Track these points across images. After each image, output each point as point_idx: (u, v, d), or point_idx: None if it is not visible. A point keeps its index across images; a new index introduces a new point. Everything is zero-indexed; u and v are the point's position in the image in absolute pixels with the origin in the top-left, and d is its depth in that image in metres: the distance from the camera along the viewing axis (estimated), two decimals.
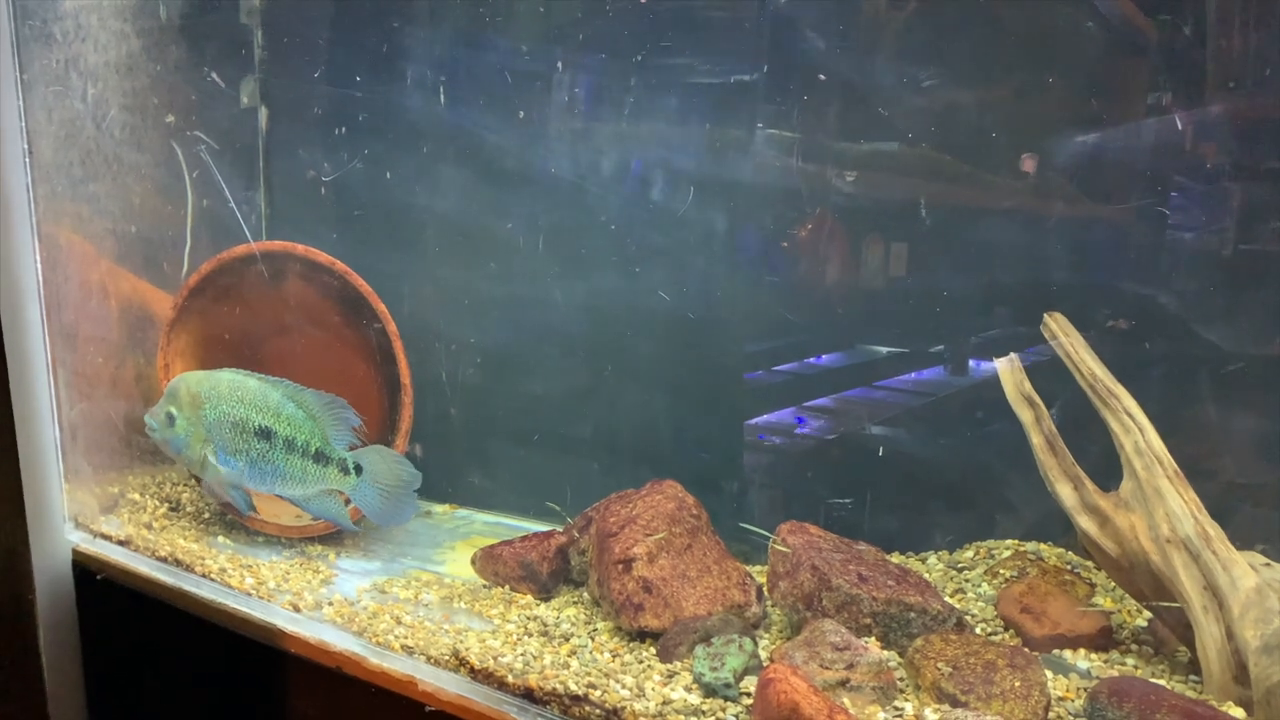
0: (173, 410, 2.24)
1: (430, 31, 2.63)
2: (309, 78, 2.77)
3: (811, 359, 2.54)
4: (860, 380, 2.50)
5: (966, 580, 2.14)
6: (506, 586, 2.24)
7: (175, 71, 2.63)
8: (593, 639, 1.97)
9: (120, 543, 2.47)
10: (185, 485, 2.73)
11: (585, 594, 2.17)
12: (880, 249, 2.35)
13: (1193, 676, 1.74)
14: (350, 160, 2.72)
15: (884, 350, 2.45)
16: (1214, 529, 1.71)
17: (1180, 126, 1.97)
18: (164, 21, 2.59)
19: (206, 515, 2.60)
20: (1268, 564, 1.70)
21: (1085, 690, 1.66)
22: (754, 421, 2.51)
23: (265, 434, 2.22)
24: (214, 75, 2.67)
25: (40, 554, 2.42)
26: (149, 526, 2.52)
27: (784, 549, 1.97)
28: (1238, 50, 1.89)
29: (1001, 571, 2.11)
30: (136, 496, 2.65)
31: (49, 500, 2.48)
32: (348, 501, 2.30)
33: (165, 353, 2.49)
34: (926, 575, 2.16)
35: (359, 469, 2.23)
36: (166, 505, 2.63)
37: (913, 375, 2.46)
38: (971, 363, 2.35)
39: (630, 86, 2.38)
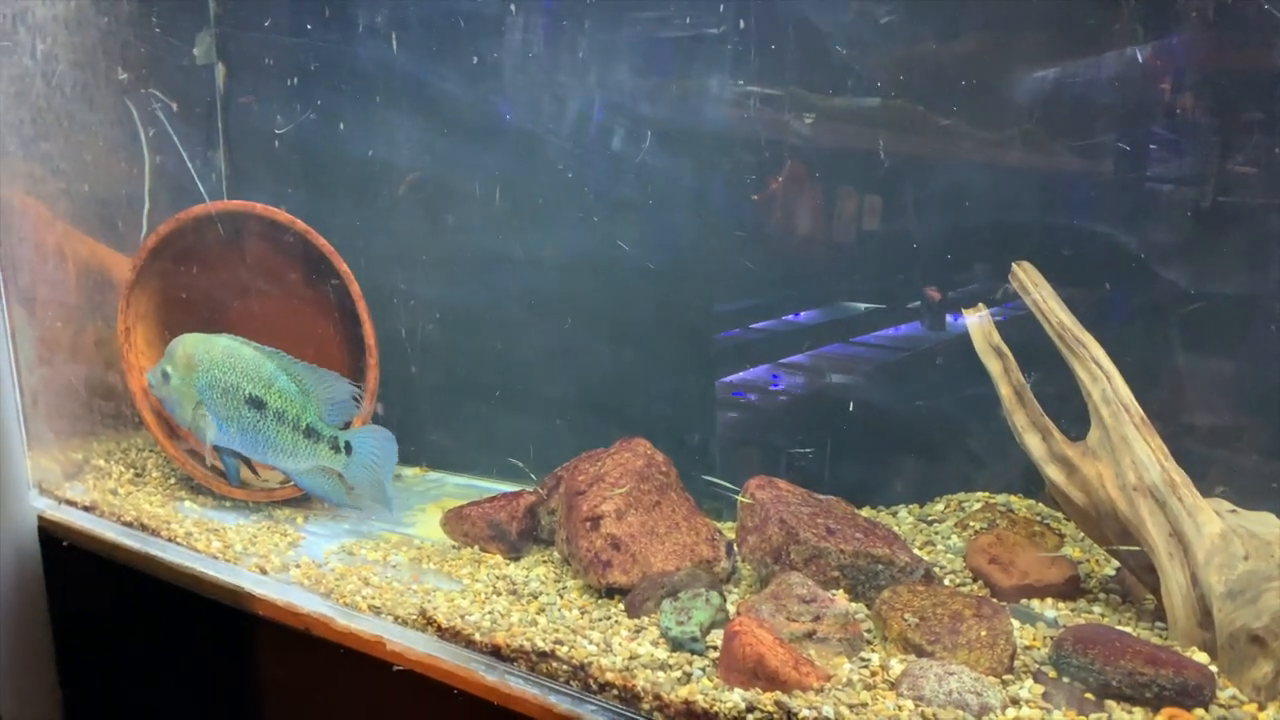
0: (168, 369, 2.29)
1: None
2: (266, 31, 2.69)
3: (789, 316, 2.52)
4: (836, 337, 2.48)
5: (936, 533, 2.14)
6: (476, 547, 2.22)
7: (127, 26, 2.56)
8: (561, 597, 1.96)
9: (86, 508, 2.44)
10: (150, 450, 2.69)
11: (555, 553, 2.16)
12: (854, 202, 2.32)
13: (1159, 623, 1.74)
14: (312, 114, 2.66)
15: (861, 306, 2.43)
16: (1180, 475, 1.71)
17: (1150, 68, 1.94)
18: None
19: (172, 480, 2.57)
20: (1233, 510, 1.70)
21: (1051, 639, 1.66)
22: (727, 379, 2.50)
23: (256, 403, 2.23)
24: (158, 31, 2.59)
25: (4, 521, 2.39)
26: (114, 492, 2.49)
27: (748, 501, 1.96)
28: None
29: (971, 524, 2.10)
30: (101, 462, 2.62)
31: (12, 467, 2.45)
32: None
33: (125, 316, 2.44)
34: (896, 528, 2.16)
35: (349, 448, 2.24)
36: (132, 471, 2.60)
37: (890, 330, 2.44)
38: (950, 317, 2.33)
39: (587, 30, 2.33)
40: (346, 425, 2.31)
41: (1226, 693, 1.54)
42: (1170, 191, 1.97)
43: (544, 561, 2.16)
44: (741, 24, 2.20)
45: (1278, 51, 1.81)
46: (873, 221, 2.27)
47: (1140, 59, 1.90)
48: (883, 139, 2.17)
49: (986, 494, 2.22)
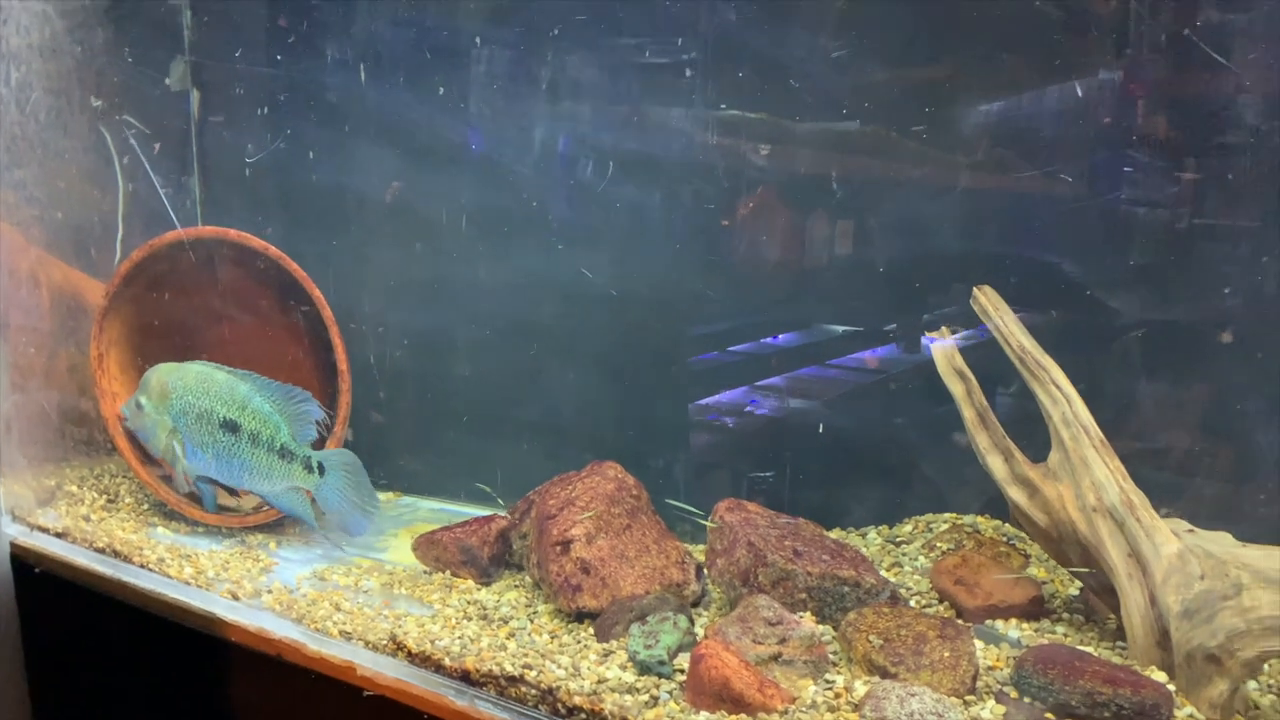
0: (142, 400, 2.29)
1: (368, 8, 2.59)
2: (240, 59, 2.72)
3: (758, 340, 2.54)
4: (805, 360, 2.50)
5: (904, 554, 2.16)
6: (447, 572, 2.23)
7: (102, 54, 2.57)
8: (532, 621, 1.97)
9: (58, 535, 2.43)
10: (124, 477, 2.69)
11: (527, 577, 2.17)
12: (819, 226, 2.35)
13: (1119, 643, 1.77)
14: (283, 143, 2.68)
15: (839, 329, 2.46)
16: (1138, 496, 1.73)
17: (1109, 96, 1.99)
18: (88, 2, 2.54)
19: (145, 506, 2.56)
20: (1191, 530, 1.73)
21: (1014, 659, 1.68)
22: (699, 402, 2.51)
23: (231, 427, 2.24)
24: (131, 59, 2.61)
25: None
26: (87, 518, 2.48)
27: (710, 524, 1.98)
28: (1148, 22, 1.91)
29: (939, 545, 2.13)
30: (74, 489, 2.62)
31: None
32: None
33: (98, 342, 2.45)
34: (865, 550, 2.18)
35: (322, 469, 2.25)
36: (105, 497, 2.60)
37: (861, 354, 2.46)
38: (926, 340, 2.35)
39: (550, 61, 2.37)
40: (318, 445, 2.32)
41: (1184, 711, 1.56)
42: (1121, 219, 2.01)
43: (516, 586, 2.17)
44: (706, 52, 2.24)
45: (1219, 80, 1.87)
46: (838, 246, 2.30)
47: (1080, 91, 1.95)
48: (847, 165, 2.21)
49: (954, 515, 2.25)
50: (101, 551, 2.34)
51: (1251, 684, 1.68)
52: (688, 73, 2.26)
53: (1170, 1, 1.89)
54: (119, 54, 2.62)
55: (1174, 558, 1.66)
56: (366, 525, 2.31)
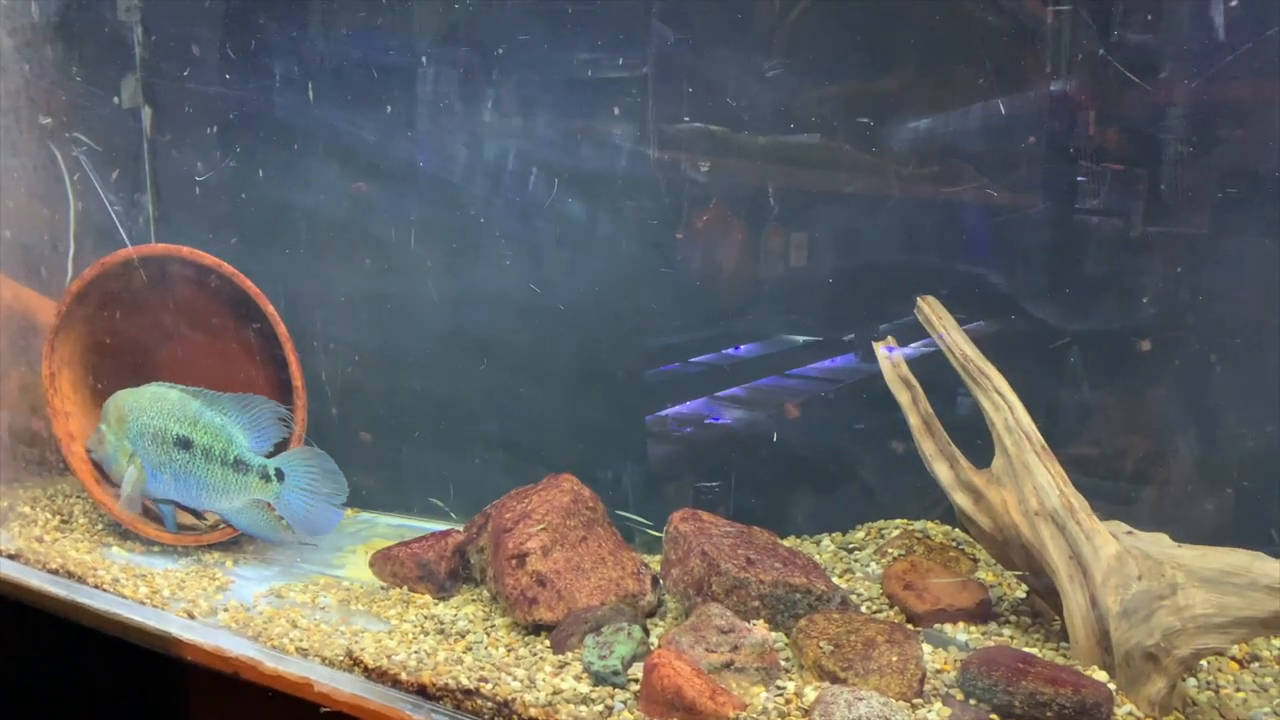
0: (103, 428, 2.30)
1: (320, 26, 2.60)
2: (191, 76, 2.71)
3: (729, 350, 2.56)
4: (765, 370, 2.53)
5: (856, 560, 2.19)
6: (405, 587, 2.23)
7: (51, 72, 2.56)
8: (489, 635, 1.98)
9: (11, 557, 2.40)
10: (78, 497, 2.67)
11: (485, 591, 2.18)
12: (780, 239, 2.39)
13: (1064, 644, 1.81)
14: (235, 160, 2.67)
15: (793, 340, 2.49)
16: (1078, 500, 1.78)
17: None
18: (37, 21, 2.52)
19: (100, 526, 2.54)
20: (1130, 532, 1.77)
21: (960, 662, 1.71)
22: (656, 414, 2.53)
23: (184, 444, 2.24)
24: (80, 77, 2.60)
25: None
26: (40, 539, 2.46)
27: (656, 534, 2.01)
28: (1069, 36, 1.98)
29: (890, 551, 2.16)
30: (27, 510, 2.59)
31: None
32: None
33: (50, 361, 2.43)
34: (818, 557, 2.21)
35: (280, 475, 2.24)
36: (59, 518, 2.57)
37: (820, 364, 2.49)
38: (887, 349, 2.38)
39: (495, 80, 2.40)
40: (275, 451, 2.31)
41: (1124, 709, 1.61)
42: (1061, 230, 2.07)
43: (473, 600, 2.18)
44: (651, 68, 2.27)
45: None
46: (792, 258, 2.33)
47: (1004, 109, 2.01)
48: (796, 178, 2.25)
49: (905, 521, 2.28)
50: (55, 573, 2.32)
51: (1190, 681, 1.73)
52: (634, 89, 2.29)
53: (1099, 17, 1.95)
54: (68, 72, 2.61)
55: (1113, 559, 1.71)
56: (337, 517, 2.29)
